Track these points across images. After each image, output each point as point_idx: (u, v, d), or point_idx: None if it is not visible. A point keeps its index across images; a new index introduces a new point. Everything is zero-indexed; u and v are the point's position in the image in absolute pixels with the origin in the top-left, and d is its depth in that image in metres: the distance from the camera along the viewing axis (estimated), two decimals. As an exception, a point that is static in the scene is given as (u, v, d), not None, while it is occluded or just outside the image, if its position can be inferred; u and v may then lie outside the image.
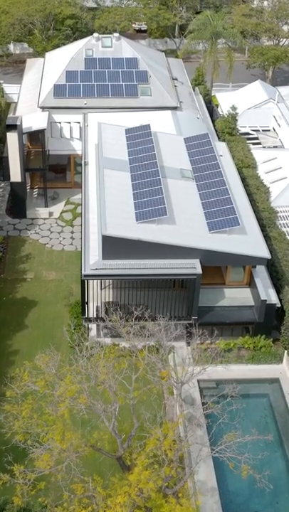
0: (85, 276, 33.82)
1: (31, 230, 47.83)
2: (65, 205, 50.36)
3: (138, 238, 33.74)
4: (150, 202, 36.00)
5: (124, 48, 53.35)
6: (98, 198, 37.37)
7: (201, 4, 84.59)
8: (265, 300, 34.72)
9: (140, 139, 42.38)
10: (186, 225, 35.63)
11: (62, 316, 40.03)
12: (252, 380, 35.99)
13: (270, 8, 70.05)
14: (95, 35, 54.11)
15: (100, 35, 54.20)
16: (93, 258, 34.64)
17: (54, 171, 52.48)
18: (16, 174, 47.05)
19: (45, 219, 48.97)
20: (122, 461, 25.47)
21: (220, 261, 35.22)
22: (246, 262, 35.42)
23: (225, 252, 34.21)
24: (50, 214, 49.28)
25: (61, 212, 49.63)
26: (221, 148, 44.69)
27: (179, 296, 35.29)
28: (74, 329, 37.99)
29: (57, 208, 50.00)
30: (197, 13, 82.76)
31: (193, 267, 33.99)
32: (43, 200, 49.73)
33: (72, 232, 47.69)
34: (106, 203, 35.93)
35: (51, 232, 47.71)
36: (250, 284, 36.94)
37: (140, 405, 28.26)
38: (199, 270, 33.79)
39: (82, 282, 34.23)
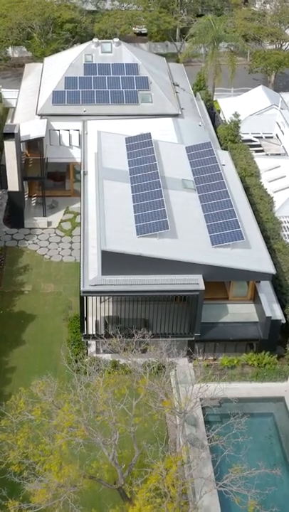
0: (84, 292, 32.71)
1: (29, 241, 46.73)
2: (64, 214, 49.27)
3: (139, 253, 32.64)
4: (151, 215, 34.91)
5: (124, 54, 52.25)
6: (97, 211, 36.28)
7: (202, 7, 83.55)
8: (270, 317, 33.64)
9: (141, 148, 41.28)
10: (188, 238, 34.54)
11: (61, 331, 38.94)
12: (256, 399, 34.91)
13: (272, 11, 68.88)
14: (95, 40, 53.02)
15: (100, 41, 53.09)
16: (92, 273, 33.55)
17: (53, 178, 51.41)
18: (13, 183, 45.97)
19: (43, 229, 47.85)
20: (122, 491, 24.38)
21: (223, 276, 34.14)
22: (250, 278, 34.33)
23: (228, 267, 33.12)
24: (49, 223, 48.18)
25: (60, 222, 48.54)
26: (224, 157, 43.58)
27: (180, 312, 34.15)
28: (73, 345, 36.93)
29: (56, 218, 48.90)
30: (198, 15, 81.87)
31: (195, 282, 32.89)
32: (42, 209, 48.65)
33: (71, 243, 46.59)
34: (106, 216, 34.84)
35: (50, 243, 46.61)
36: (255, 299, 35.87)
37: (141, 429, 27.18)
38: (202, 286, 32.70)
39: (81, 299, 33.12)
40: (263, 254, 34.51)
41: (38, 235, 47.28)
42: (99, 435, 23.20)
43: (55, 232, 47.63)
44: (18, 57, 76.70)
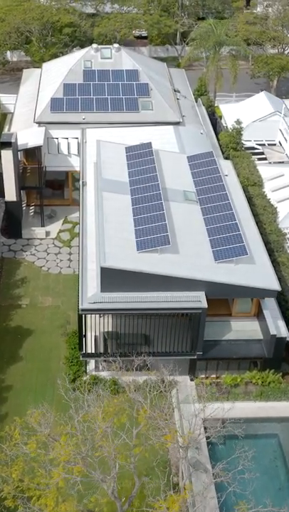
0: (83, 310, 31.60)
1: (27, 252, 45.63)
2: (62, 224, 48.18)
3: (139, 270, 31.53)
4: (152, 229, 33.80)
5: (124, 59, 51.13)
6: (97, 224, 35.18)
7: (203, 10, 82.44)
8: (275, 335, 32.51)
9: (141, 159, 40.17)
10: (190, 254, 33.42)
11: (59, 347, 37.84)
12: (260, 419, 33.80)
13: (274, 15, 67.75)
14: (94, 45, 51.89)
15: (99, 46, 51.96)
16: (91, 290, 32.42)
17: (51, 187, 50.33)
18: (10, 193, 44.89)
19: (41, 239, 46.77)
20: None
21: (226, 293, 33.02)
22: (254, 295, 33.22)
23: (232, 284, 31.99)
24: (47, 234, 47.10)
25: (58, 232, 47.45)
26: (226, 166, 42.48)
27: (182, 328, 32.99)
28: (71, 362, 35.85)
29: (54, 228, 47.81)
30: (199, 18, 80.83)
31: (198, 300, 31.78)
32: (40, 219, 47.54)
33: (69, 254, 45.49)
34: (105, 231, 33.73)
35: (48, 254, 45.50)
36: (259, 315, 34.75)
37: (142, 456, 26.07)
38: (205, 304, 31.59)
39: (80, 317, 32.00)
40: (267, 270, 33.39)
41: (35, 246, 46.18)
42: (97, 472, 22.08)
43: (53, 243, 46.53)
44: (16, 61, 75.68)
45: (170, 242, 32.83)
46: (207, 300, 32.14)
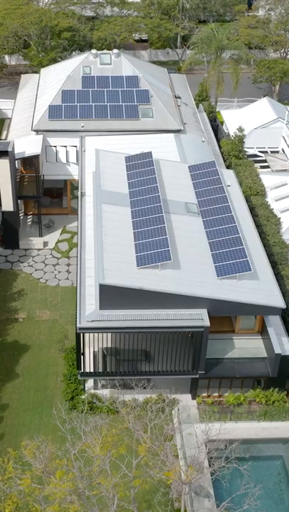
0: (81, 329, 30.50)
1: (24, 263, 44.53)
2: (60, 234, 47.10)
3: (139, 287, 30.43)
4: (153, 243, 32.72)
5: (124, 65, 50.02)
6: (95, 238, 34.07)
7: (204, 13, 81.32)
8: (280, 353, 31.42)
9: (141, 169, 39.09)
10: (192, 269, 32.33)
11: (57, 363, 36.76)
12: (264, 440, 32.70)
13: (277, 19, 66.58)
14: (93, 51, 50.77)
15: (99, 52, 50.82)
16: (90, 307, 31.32)
17: (49, 195, 49.27)
18: (7, 203, 43.78)
19: (39, 250, 45.68)
20: None
21: (229, 311, 31.92)
22: (258, 312, 32.13)
23: (235, 301, 30.89)
24: (45, 244, 46.00)
25: (57, 242, 46.37)
26: (229, 176, 41.40)
27: (183, 347, 31.84)
28: (69, 380, 34.77)
29: (52, 237, 46.72)
30: (200, 22, 79.73)
31: (200, 318, 30.70)
32: (38, 229, 46.44)
33: (68, 265, 44.41)
34: (104, 245, 32.65)
35: (46, 265, 44.41)
36: (262, 331, 33.67)
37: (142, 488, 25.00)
38: (207, 322, 30.50)
39: (78, 335, 30.90)
40: (271, 287, 32.31)
41: (33, 257, 45.08)
42: (95, 510, 20.99)
43: (51, 254, 45.45)
44: (15, 64, 74.50)
45: (171, 257, 31.73)
46: (209, 317, 31.08)
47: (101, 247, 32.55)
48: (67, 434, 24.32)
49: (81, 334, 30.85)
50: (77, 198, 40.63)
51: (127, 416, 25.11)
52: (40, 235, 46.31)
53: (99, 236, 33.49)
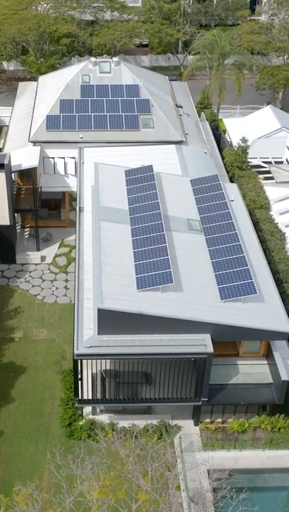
0: (78, 355, 29.11)
1: (21, 278, 43.16)
2: (58, 248, 45.71)
3: (139, 312, 29.06)
4: (153, 264, 31.35)
5: (124, 74, 48.65)
6: (94, 258, 32.70)
7: (206, 17, 79.99)
8: (287, 380, 30.02)
9: (142, 184, 37.74)
10: (194, 292, 30.95)
11: (53, 386, 35.41)
12: (270, 470, 31.34)
13: (280, 25, 65.20)
14: (92, 59, 49.40)
15: (98, 60, 49.44)
16: (88, 331, 29.94)
17: (47, 207, 47.87)
18: (3, 216, 42.41)
19: (36, 264, 44.31)
20: None
21: (234, 336, 30.53)
22: (264, 337, 30.75)
23: (240, 326, 29.51)
24: (43, 258, 44.63)
25: (54, 257, 44.98)
26: (232, 190, 40.01)
27: (186, 373, 30.44)
28: (66, 405, 33.40)
29: (50, 251, 45.35)
30: (201, 26, 78.39)
31: (203, 344, 29.32)
32: (35, 242, 45.07)
33: (66, 281, 43.02)
34: (102, 266, 31.28)
35: (43, 281, 43.03)
36: (268, 354, 32.26)
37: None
38: (210, 348, 29.12)
39: (75, 362, 29.51)
40: (278, 310, 30.92)
41: (30, 272, 43.72)
42: None
43: (49, 269, 44.08)
44: (13, 70, 73.10)
45: (173, 280, 30.35)
46: (213, 342, 29.71)
47: (100, 268, 31.18)
48: (63, 481, 22.88)
49: (79, 361, 29.42)
50: (76, 209, 39.34)
51: (126, 458, 23.69)
52: (38, 249, 44.96)
53: (97, 256, 32.12)
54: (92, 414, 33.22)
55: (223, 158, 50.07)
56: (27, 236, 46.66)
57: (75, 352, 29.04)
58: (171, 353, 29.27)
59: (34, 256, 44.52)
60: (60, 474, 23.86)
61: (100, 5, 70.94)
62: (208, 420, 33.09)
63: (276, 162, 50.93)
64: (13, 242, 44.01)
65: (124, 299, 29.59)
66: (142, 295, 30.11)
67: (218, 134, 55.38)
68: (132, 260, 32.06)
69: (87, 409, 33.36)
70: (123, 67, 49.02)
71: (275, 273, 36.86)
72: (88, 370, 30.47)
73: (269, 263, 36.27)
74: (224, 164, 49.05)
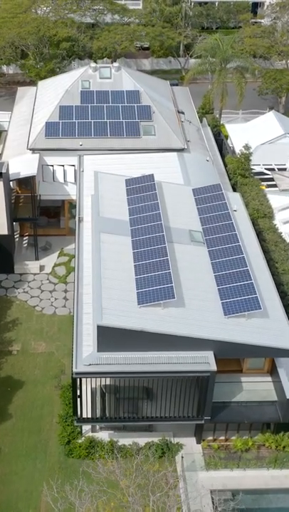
0: (77, 374, 28.22)
1: (19, 289, 42.27)
2: (58, 257, 44.83)
3: (140, 329, 28.17)
4: (155, 279, 30.46)
5: (124, 79, 47.78)
6: (93, 272, 31.83)
7: (208, 20, 79.11)
8: (292, 399, 29.16)
9: (143, 193, 36.86)
10: (197, 307, 30.06)
11: (52, 402, 34.52)
12: (274, 490, 30.47)
13: (283, 28, 64.29)
14: (92, 64, 48.53)
15: (98, 65, 48.58)
16: (87, 349, 29.04)
17: (46, 214, 46.99)
18: (1, 226, 41.52)
19: (35, 274, 43.42)
20: None
21: (238, 353, 29.60)
22: (269, 354, 29.85)
23: (244, 343, 28.61)
24: (41, 268, 43.76)
25: (53, 266, 44.09)
26: (235, 200, 39.16)
27: (188, 390, 29.50)
28: (65, 422, 32.52)
29: (49, 261, 44.46)
30: (203, 28, 77.50)
31: (206, 361, 28.44)
32: (34, 251, 44.19)
33: (65, 291, 42.14)
34: (102, 281, 30.39)
35: (42, 292, 42.16)
36: (272, 371, 31.36)
37: None
38: (213, 367, 28.23)
39: (74, 381, 28.63)
40: (283, 326, 30.02)
41: (29, 282, 42.83)
42: None
43: (48, 279, 43.19)
44: (13, 73, 72.27)
45: (175, 295, 29.46)
46: (216, 359, 28.81)
47: (99, 282, 30.29)
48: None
49: (78, 379, 28.53)
50: (75, 217, 38.49)
51: (127, 489, 22.81)
52: (37, 258, 44.09)
53: (97, 269, 31.24)
54: (92, 432, 32.37)
55: (225, 165, 49.22)
56: (25, 245, 45.79)
57: (74, 370, 28.16)
58: (173, 372, 28.38)
59: (33, 265, 43.65)
60: (58, 508, 22.91)
61: (101, 8, 70.02)
62: (210, 438, 32.20)
63: (279, 169, 49.98)
64: (12, 251, 43.14)
65: (124, 315, 28.71)
66: (142, 311, 29.24)
67: (220, 139, 54.49)
68: (132, 274, 31.18)
69: (87, 427, 32.46)
70: (124, 72, 48.15)
71: (279, 285, 35.95)
72: (88, 386, 29.57)
73: (273, 274, 35.41)
74: (227, 171, 48.17)
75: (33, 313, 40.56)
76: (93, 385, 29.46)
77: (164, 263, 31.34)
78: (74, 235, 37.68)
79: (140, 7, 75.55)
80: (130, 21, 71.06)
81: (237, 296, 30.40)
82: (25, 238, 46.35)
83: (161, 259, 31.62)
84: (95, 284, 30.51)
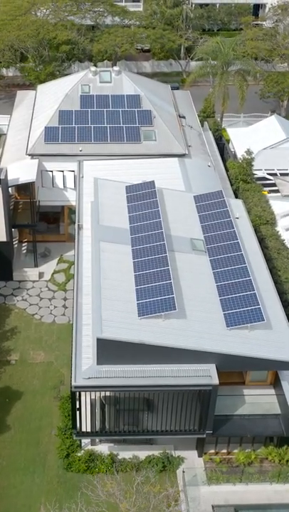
0: (76, 387, 27.60)
1: (18, 296, 41.67)
2: (57, 264, 44.22)
3: (141, 341, 27.56)
4: (155, 289, 29.84)
5: (124, 83, 47.16)
6: (93, 282, 31.22)
7: (209, 21, 78.48)
8: (296, 412, 28.57)
9: (143, 201, 36.26)
10: (198, 318, 29.44)
11: (51, 413, 33.92)
12: (277, 505, 29.85)
13: (285, 31, 63.67)
14: (92, 68, 47.91)
15: (98, 69, 47.96)
16: (86, 361, 28.42)
17: (46, 220, 46.38)
18: (0, 233, 40.90)
19: (34, 281, 42.81)
20: None
21: (240, 366, 28.96)
22: (272, 367, 29.24)
23: (247, 356, 27.99)
24: (40, 275, 43.15)
25: (53, 273, 43.48)
26: (237, 207, 38.54)
27: (189, 404, 28.85)
28: (64, 434, 31.91)
29: (48, 268, 43.85)
30: (204, 30, 76.88)
31: (207, 374, 27.82)
32: (33, 258, 43.57)
33: (64, 299, 41.53)
34: (102, 291, 29.76)
35: (41, 299, 41.54)
36: (275, 383, 30.74)
37: None
38: (216, 380, 27.62)
39: (73, 394, 28.02)
40: (286, 338, 29.37)
41: (27, 290, 42.23)
42: None
43: (47, 286, 42.58)
44: (12, 76, 71.62)
45: (176, 306, 28.85)
46: (218, 372, 28.19)
47: (99, 293, 29.66)
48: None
49: (77, 393, 27.92)
50: (75, 222, 37.89)
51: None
52: (36, 265, 43.49)
53: (97, 279, 30.62)
54: (92, 445, 31.77)
55: (226, 169, 48.61)
56: (24, 251, 45.20)
57: (73, 384, 27.54)
58: (174, 385, 27.76)
59: (32, 272, 43.06)
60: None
61: (101, 10, 69.38)
62: (212, 451, 31.61)
63: (282, 174, 49.29)
64: (10, 258, 42.54)
65: (124, 327, 28.09)
66: (143, 322, 28.62)
67: (222, 143, 53.88)
68: (132, 284, 30.57)
69: (87, 439, 31.82)
70: (124, 76, 47.55)
71: (281, 294, 35.32)
72: (87, 399, 28.93)
73: (275, 282, 34.79)
74: (228, 176, 47.55)
75: (32, 321, 39.96)
76: (93, 398, 28.82)
77: (165, 273, 30.72)
78: (73, 241, 37.08)
79: (141, 9, 74.98)
80: (131, 23, 70.49)
81: (239, 307, 29.79)
82: (24, 244, 45.77)
83: (162, 268, 31.01)
84: (95, 295, 29.91)
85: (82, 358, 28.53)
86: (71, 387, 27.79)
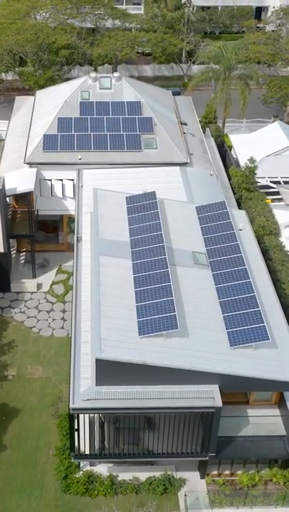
0: (74, 410, 26.63)
1: (16, 308, 40.71)
2: (56, 275, 43.25)
3: (141, 362, 26.58)
4: (156, 306, 28.87)
5: (125, 90, 46.18)
6: (92, 298, 30.26)
7: (210, 24, 77.57)
8: (302, 435, 27.60)
9: (144, 212, 35.29)
10: (201, 337, 28.45)
11: (49, 432, 32.95)
12: (283, 530, 28.93)
13: (286, 35, 62.69)
14: (92, 74, 46.93)
15: (98, 75, 46.97)
16: (85, 382, 27.44)
17: (44, 229, 45.43)
18: (-3, 244, 40.01)
19: (32, 293, 41.85)
20: None
21: (244, 387, 28.00)
22: (278, 388, 28.22)
23: (251, 377, 27.00)
24: (39, 286, 42.19)
25: (51, 284, 42.52)
26: (240, 218, 37.56)
27: (191, 425, 27.88)
28: (62, 454, 30.95)
29: (46, 279, 42.88)
30: (206, 34, 76.00)
31: (210, 396, 26.85)
32: (31, 269, 42.62)
33: (63, 312, 40.57)
34: (101, 309, 28.78)
35: (39, 312, 40.58)
36: (280, 403, 29.76)
37: None
38: (219, 402, 26.65)
39: (71, 417, 27.04)
40: (292, 357, 28.42)
41: (25, 302, 41.27)
42: None
43: (45, 298, 41.62)
44: (11, 80, 70.64)
45: (178, 325, 27.86)
46: (221, 393, 27.22)
47: (98, 311, 28.68)
48: None
49: (74, 415, 26.94)
50: (74, 232, 36.95)
51: None
52: (34, 276, 42.54)
53: (96, 296, 29.64)
54: (90, 465, 30.80)
55: (229, 177, 47.65)
56: (23, 261, 44.25)
57: (71, 406, 26.56)
58: (176, 407, 26.79)
59: (30, 284, 42.11)
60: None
61: (101, 13, 68.39)
62: (215, 472, 30.65)
63: (285, 182, 48.34)
64: (8, 269, 41.62)
65: (124, 347, 27.11)
66: (144, 342, 27.64)
67: (224, 150, 52.91)
68: (133, 301, 29.58)
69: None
70: (124, 82, 46.56)
71: (286, 308, 34.34)
72: (85, 419, 27.92)
73: (279, 296, 33.79)
74: (230, 185, 46.60)
75: (30, 334, 39.02)
76: (91, 419, 27.84)
77: (166, 289, 29.74)
78: (73, 251, 36.05)
79: (142, 12, 74.05)
80: (131, 27, 69.49)
81: (243, 325, 28.80)
82: (22, 254, 44.81)
83: (164, 284, 30.03)
84: (94, 312, 28.94)
85: (81, 379, 27.54)
86: (69, 410, 26.80)
